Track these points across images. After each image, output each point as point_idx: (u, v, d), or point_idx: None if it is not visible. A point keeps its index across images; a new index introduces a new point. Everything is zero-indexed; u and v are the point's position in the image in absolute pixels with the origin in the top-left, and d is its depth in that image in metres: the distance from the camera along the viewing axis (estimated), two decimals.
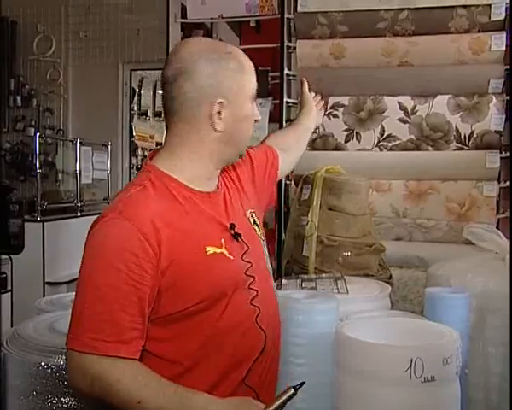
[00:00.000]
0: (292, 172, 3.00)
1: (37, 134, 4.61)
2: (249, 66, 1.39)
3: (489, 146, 2.71)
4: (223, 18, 3.43)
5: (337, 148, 2.91)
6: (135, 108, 7.09)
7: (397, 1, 2.80)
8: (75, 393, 1.27)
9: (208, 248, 1.31)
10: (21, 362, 1.72)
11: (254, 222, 1.52)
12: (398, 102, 2.82)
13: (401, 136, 2.82)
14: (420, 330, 1.48)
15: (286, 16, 3.03)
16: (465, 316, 1.74)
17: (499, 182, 2.72)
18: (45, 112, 5.85)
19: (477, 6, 2.70)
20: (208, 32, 4.21)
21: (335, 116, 2.90)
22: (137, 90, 7.20)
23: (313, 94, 2.08)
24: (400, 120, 2.82)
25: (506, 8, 2.67)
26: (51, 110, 5.85)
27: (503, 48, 2.67)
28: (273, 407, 1.23)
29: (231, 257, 1.35)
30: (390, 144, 2.84)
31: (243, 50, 1.43)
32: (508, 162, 2.70)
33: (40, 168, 4.49)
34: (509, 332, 1.69)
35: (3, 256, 3.89)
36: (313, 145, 2.95)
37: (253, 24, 3.76)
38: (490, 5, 2.68)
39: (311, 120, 2.02)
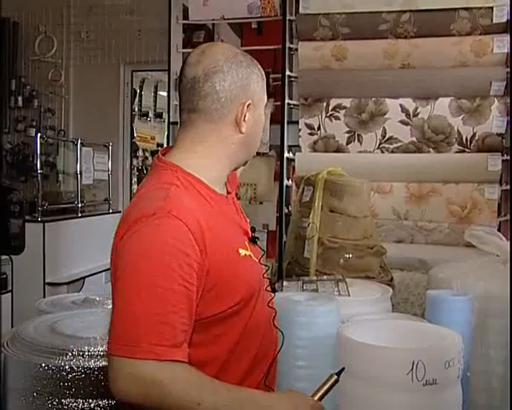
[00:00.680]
0: (293, 173, 3.01)
1: (38, 135, 4.60)
2: (262, 75, 1.42)
3: (491, 149, 2.71)
4: (224, 19, 3.43)
5: (338, 150, 2.91)
6: (136, 109, 7.10)
7: (399, 3, 2.80)
8: (121, 401, 1.16)
9: (240, 251, 1.32)
10: (22, 363, 1.72)
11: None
12: (400, 105, 2.82)
13: (403, 138, 2.82)
14: (421, 333, 1.48)
15: (288, 18, 3.04)
16: (467, 319, 1.73)
17: (501, 184, 2.72)
18: (46, 112, 5.84)
19: (479, 8, 2.71)
20: (210, 34, 4.22)
21: (337, 118, 2.90)
22: (138, 91, 7.21)
23: None
24: (402, 122, 2.82)
25: (508, 10, 2.67)
26: (52, 111, 5.84)
27: (506, 50, 2.67)
28: (319, 394, 1.26)
29: (256, 259, 1.38)
30: (391, 146, 2.84)
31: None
32: (509, 165, 2.69)
33: (41, 169, 4.48)
34: (510, 335, 1.68)
35: (4, 257, 3.88)
36: (314, 147, 2.95)
37: (254, 25, 3.76)
38: (492, 8, 2.69)
39: None
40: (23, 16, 5.77)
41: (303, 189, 2.52)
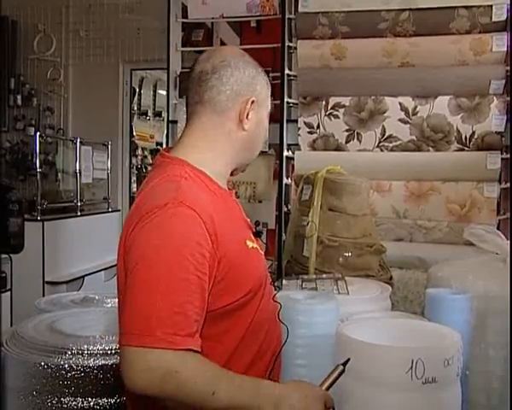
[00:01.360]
0: (292, 172, 3.01)
1: (38, 133, 4.60)
2: (269, 82, 1.46)
3: (490, 147, 2.71)
4: (223, 18, 3.42)
5: (338, 148, 2.91)
6: (135, 108, 7.10)
7: (398, 1, 2.80)
8: (136, 393, 1.14)
9: (248, 242, 1.34)
10: (21, 362, 1.72)
11: None
12: (399, 103, 2.82)
13: (402, 136, 2.82)
14: (421, 332, 1.48)
15: (287, 16, 3.03)
16: (466, 318, 1.73)
17: (500, 183, 2.72)
18: (45, 111, 5.84)
19: (478, 7, 2.70)
20: (209, 32, 4.21)
21: (336, 117, 2.90)
22: (138, 89, 7.21)
23: None
24: (401, 120, 2.82)
25: (507, 8, 2.67)
26: (51, 109, 5.84)
27: (505, 49, 2.67)
28: (327, 384, 1.27)
29: (262, 252, 1.40)
30: (391, 145, 2.84)
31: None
32: (508, 163, 2.70)
33: (40, 168, 4.48)
34: (509, 334, 1.69)
35: (3, 255, 3.88)
36: (314, 145, 2.95)
37: (253, 24, 3.76)
38: (491, 6, 2.69)
39: None
40: (22, 15, 5.77)
41: (302, 187, 2.52)
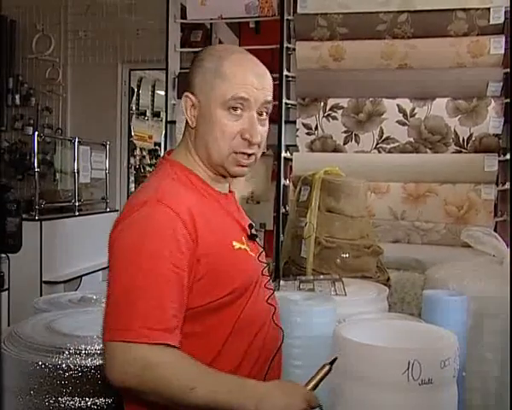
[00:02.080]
0: (290, 173, 3.01)
1: (36, 133, 4.61)
2: (233, 75, 1.29)
3: (487, 149, 2.72)
4: (222, 19, 3.43)
5: (336, 149, 2.92)
6: (133, 108, 7.10)
7: (396, 3, 2.80)
8: (117, 388, 1.17)
9: (234, 243, 1.33)
10: (19, 361, 1.72)
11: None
12: (397, 105, 2.82)
13: (400, 138, 2.82)
14: (417, 333, 1.48)
15: (285, 17, 3.04)
16: (463, 319, 1.74)
17: (497, 185, 2.72)
18: (44, 111, 5.84)
19: (476, 9, 2.71)
20: (208, 33, 4.22)
21: (334, 118, 2.91)
22: (136, 89, 7.21)
23: None
24: (399, 122, 2.82)
25: (505, 11, 2.67)
26: (50, 109, 5.84)
27: (502, 51, 2.68)
28: (313, 383, 1.27)
29: (252, 254, 1.39)
30: (389, 147, 2.84)
31: None
32: (506, 165, 2.70)
33: (38, 167, 4.49)
34: (510, 334, 1.69)
35: (1, 255, 3.88)
36: (312, 147, 2.96)
37: (252, 25, 3.77)
38: (489, 9, 2.69)
39: None
40: (21, 15, 5.76)
41: (300, 188, 2.53)
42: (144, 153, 8.07)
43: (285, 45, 3.03)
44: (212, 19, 3.54)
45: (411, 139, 2.81)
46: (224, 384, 1.18)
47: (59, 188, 5.46)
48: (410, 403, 1.30)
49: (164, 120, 3.63)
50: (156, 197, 1.23)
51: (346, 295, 1.89)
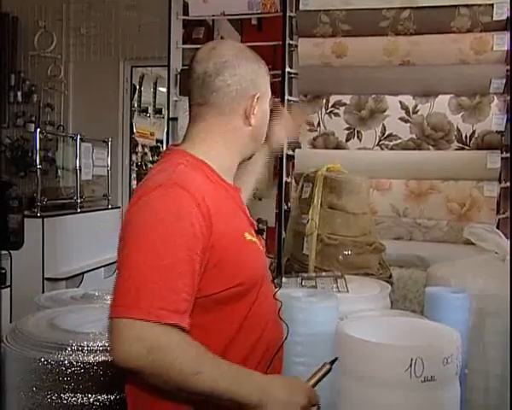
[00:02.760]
0: (293, 170, 3.01)
1: (38, 130, 4.60)
2: (267, 70, 1.46)
3: (490, 146, 2.71)
4: (225, 15, 3.43)
5: (338, 146, 2.92)
6: (135, 105, 7.09)
7: (399, 0, 2.79)
8: (122, 368, 1.13)
9: (246, 234, 1.34)
10: (21, 358, 1.72)
11: None
12: (400, 102, 2.82)
13: (402, 135, 2.82)
14: (420, 330, 1.48)
15: (288, 14, 3.03)
16: (465, 317, 1.74)
17: (500, 182, 2.72)
18: (46, 108, 5.83)
19: (479, 6, 2.70)
20: (210, 30, 4.22)
21: (336, 115, 2.90)
22: (138, 86, 7.20)
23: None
24: (401, 119, 2.82)
25: (508, 8, 2.66)
26: (52, 106, 5.83)
27: (505, 48, 2.67)
28: (312, 382, 1.27)
29: (261, 248, 1.40)
30: (391, 143, 2.84)
31: None
32: (508, 163, 2.70)
33: (40, 164, 4.49)
34: (510, 334, 1.69)
35: (3, 252, 3.89)
36: (314, 143, 2.96)
37: (254, 22, 3.77)
38: (492, 5, 2.68)
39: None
40: (23, 11, 5.75)
41: (302, 185, 2.52)
42: (146, 150, 8.06)
43: (287, 42, 3.02)
44: (214, 15, 3.53)
45: (414, 136, 2.81)
46: (229, 373, 1.18)
47: (61, 185, 5.46)
48: (412, 400, 1.30)
49: (166, 116, 3.62)
50: (172, 180, 1.22)
51: (348, 292, 1.90)
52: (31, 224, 4.19)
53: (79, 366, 1.68)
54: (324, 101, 2.92)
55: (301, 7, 2.96)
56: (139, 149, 7.77)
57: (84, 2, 5.69)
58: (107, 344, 1.73)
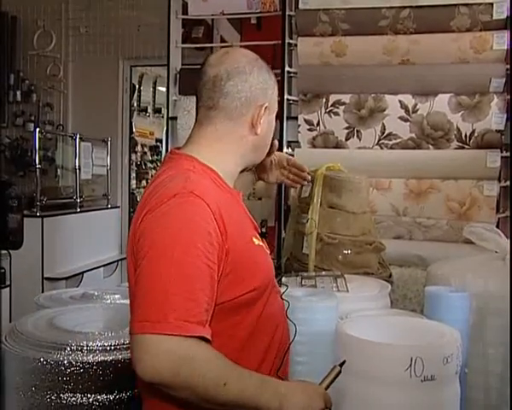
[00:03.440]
0: None
1: (37, 129, 4.61)
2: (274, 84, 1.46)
3: (490, 145, 2.71)
4: (224, 14, 3.42)
5: (338, 146, 2.91)
6: (135, 104, 7.09)
7: None
8: (147, 383, 1.14)
9: (254, 239, 1.35)
10: (20, 358, 1.72)
11: None
12: (399, 101, 2.82)
13: (402, 134, 2.82)
14: (420, 329, 1.48)
15: (287, 13, 3.03)
16: (465, 316, 1.74)
17: (500, 181, 2.71)
18: (45, 107, 5.83)
19: (479, 4, 2.70)
20: (209, 29, 4.21)
21: (336, 114, 2.90)
22: (137, 86, 7.20)
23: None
24: (401, 118, 2.81)
25: (508, 7, 2.66)
26: (51, 105, 5.83)
27: (505, 47, 2.66)
28: (325, 384, 1.28)
29: (268, 251, 1.41)
30: (391, 143, 2.84)
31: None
32: (508, 162, 2.69)
33: (39, 164, 4.49)
34: (509, 333, 1.69)
35: (2, 252, 3.89)
36: (314, 143, 2.95)
37: (254, 21, 3.75)
38: (492, 4, 2.68)
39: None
40: (22, 10, 5.75)
41: (302, 185, 2.52)
42: (146, 149, 8.06)
43: (287, 41, 3.02)
44: (213, 15, 3.53)
45: (413, 135, 2.80)
46: (250, 381, 1.19)
47: (60, 184, 5.46)
48: (412, 400, 1.30)
49: (165, 116, 3.62)
50: (187, 188, 1.22)
51: (348, 291, 1.89)
52: (30, 223, 4.20)
53: (79, 365, 1.68)
54: (324, 100, 2.92)
55: (301, 6, 2.95)
56: (138, 148, 7.77)
57: (84, 2, 5.69)
58: (106, 344, 1.73)
